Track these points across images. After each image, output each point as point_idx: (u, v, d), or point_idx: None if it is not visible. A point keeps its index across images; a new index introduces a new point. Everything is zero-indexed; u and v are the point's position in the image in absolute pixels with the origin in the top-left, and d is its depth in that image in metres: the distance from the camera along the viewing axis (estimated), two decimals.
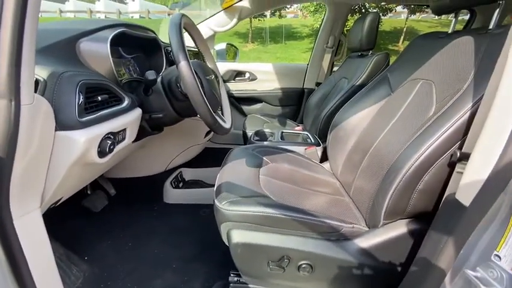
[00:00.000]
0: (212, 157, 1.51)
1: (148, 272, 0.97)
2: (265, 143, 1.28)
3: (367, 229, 0.76)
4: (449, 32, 0.86)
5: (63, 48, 0.66)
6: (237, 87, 2.07)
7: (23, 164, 0.47)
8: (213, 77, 0.88)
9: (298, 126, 1.69)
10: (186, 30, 0.84)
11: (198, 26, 1.84)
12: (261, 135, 1.41)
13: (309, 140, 1.35)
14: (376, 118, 0.99)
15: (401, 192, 0.66)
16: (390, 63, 1.35)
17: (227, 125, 0.86)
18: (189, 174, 1.57)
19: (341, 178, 1.07)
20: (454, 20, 0.87)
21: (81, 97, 0.56)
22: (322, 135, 1.44)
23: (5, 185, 0.46)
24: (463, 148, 0.58)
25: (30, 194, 0.53)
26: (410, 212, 0.69)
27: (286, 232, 0.73)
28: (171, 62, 1.09)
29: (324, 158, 1.25)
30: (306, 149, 1.26)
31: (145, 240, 1.12)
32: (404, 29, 11.35)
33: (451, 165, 0.61)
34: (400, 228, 0.71)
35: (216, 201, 0.77)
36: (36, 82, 0.53)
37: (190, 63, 0.68)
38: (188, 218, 1.29)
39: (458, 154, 0.57)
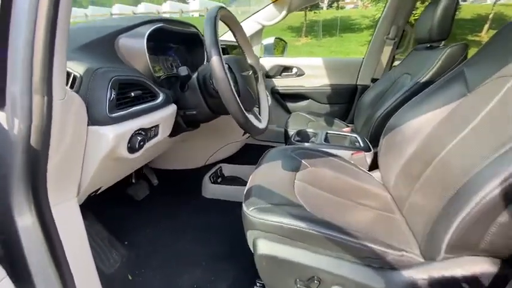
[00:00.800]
0: (252, 154, 1.47)
1: (178, 266, 0.99)
2: (307, 144, 1.18)
3: (421, 260, 0.62)
4: None
5: (102, 45, 0.68)
6: (283, 83, 1.98)
7: (58, 155, 0.50)
8: (251, 73, 0.82)
9: (347, 127, 1.53)
10: (225, 23, 0.80)
11: (245, 20, 1.82)
12: (302, 136, 1.32)
13: (357, 144, 1.20)
14: (445, 123, 0.81)
15: (473, 222, 0.51)
16: (468, 57, 1.11)
17: (262, 125, 0.80)
18: (228, 170, 1.57)
19: (393, 191, 0.92)
20: None
21: (112, 93, 0.57)
22: (374, 138, 1.27)
23: (42, 175, 0.49)
24: None
25: (66, 183, 0.56)
26: (485, 248, 0.53)
27: (318, 250, 0.64)
28: None
29: (374, 165, 1.10)
30: (352, 154, 1.12)
31: (180, 233, 1.14)
32: (491, 16, 9.55)
33: None
34: (467, 266, 0.55)
35: (244, 205, 0.72)
36: (74, 78, 0.56)
37: (222, 58, 0.63)
38: (223, 215, 1.28)
39: None
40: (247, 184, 0.84)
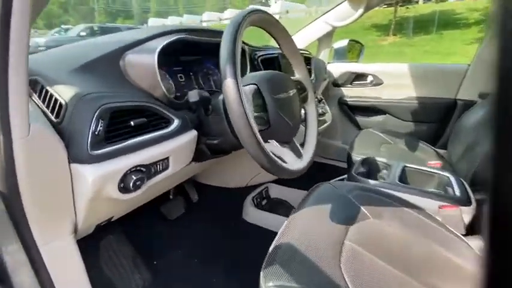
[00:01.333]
0: (307, 174, 1.26)
1: None
2: (373, 182, 0.90)
3: None
4: None
5: (105, 64, 0.60)
6: (354, 93, 1.68)
7: (36, 195, 0.45)
8: (293, 92, 0.63)
9: (438, 159, 1.15)
10: (264, 30, 0.62)
11: (313, 22, 1.60)
12: (369, 166, 1.03)
13: (449, 190, 0.85)
14: None
15: None
16: None
17: (299, 164, 0.59)
18: (275, 191, 1.39)
19: None
20: None
21: (99, 124, 0.47)
22: (479, 181, 0.89)
23: (20, 215, 0.44)
24: None
25: (55, 222, 0.51)
26: None
27: None
28: (256, 70, 0.91)
29: (475, 227, 0.75)
30: (440, 206, 0.79)
31: (210, 262, 1.04)
32: None
33: None
34: None
35: (262, 274, 0.54)
36: (60, 105, 0.49)
37: (239, 79, 0.47)
38: (263, 247, 1.12)
39: None
40: (277, 235, 0.65)
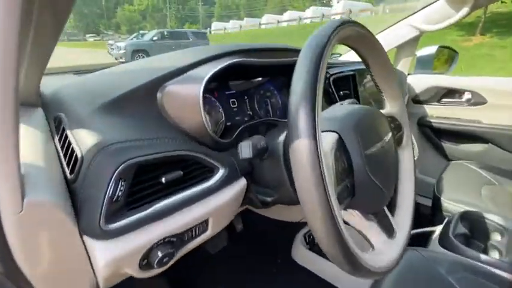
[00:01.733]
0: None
1: None
2: (484, 257, 0.63)
3: None
4: None
5: (139, 98, 0.48)
6: (441, 112, 1.35)
7: (42, 273, 0.36)
8: (388, 138, 0.43)
9: None
10: (352, 48, 0.44)
11: (395, 25, 1.32)
12: (472, 225, 0.75)
13: None
14: None
15: None
16: None
17: (391, 254, 0.39)
18: None
19: None
20: None
21: (119, 187, 0.36)
22: None
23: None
24: None
25: None
26: None
27: None
28: (332, 100, 0.71)
29: None
30: None
31: None
32: None
33: None
34: None
35: None
36: (76, 158, 0.38)
37: (318, 135, 0.29)
38: None
39: None
40: None
